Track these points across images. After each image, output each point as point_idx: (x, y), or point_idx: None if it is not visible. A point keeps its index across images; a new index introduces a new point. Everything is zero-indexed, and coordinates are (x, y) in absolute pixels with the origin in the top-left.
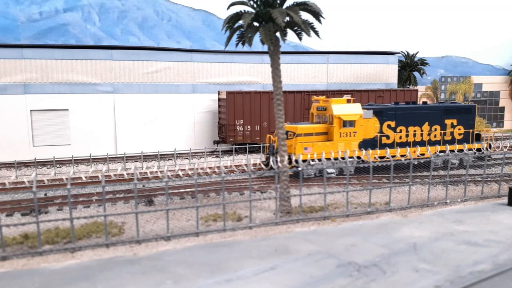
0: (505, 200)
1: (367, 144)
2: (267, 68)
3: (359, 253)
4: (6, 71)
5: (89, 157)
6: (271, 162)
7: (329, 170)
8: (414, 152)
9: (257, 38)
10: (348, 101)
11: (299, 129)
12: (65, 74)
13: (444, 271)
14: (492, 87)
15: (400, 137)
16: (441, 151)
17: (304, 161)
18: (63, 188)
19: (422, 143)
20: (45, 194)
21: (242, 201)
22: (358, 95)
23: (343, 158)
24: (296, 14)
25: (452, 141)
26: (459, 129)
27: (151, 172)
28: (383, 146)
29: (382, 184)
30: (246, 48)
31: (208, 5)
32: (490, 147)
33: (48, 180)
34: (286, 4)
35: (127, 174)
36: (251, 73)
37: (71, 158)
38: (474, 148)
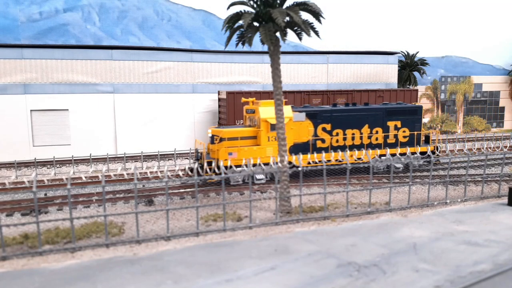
0: (505, 200)
1: (299, 148)
2: (267, 68)
3: (359, 253)
4: (6, 71)
5: (89, 157)
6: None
7: (258, 176)
8: (352, 156)
9: (257, 38)
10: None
11: (223, 133)
12: (65, 74)
13: (444, 271)
14: (492, 87)
15: (337, 141)
16: (382, 155)
17: (231, 167)
18: (63, 188)
19: (362, 147)
20: (45, 194)
21: (242, 201)
22: (358, 95)
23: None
24: (296, 14)
25: (396, 145)
26: (404, 132)
27: (151, 172)
28: (318, 150)
29: (382, 184)
30: (246, 48)
31: (208, 5)
32: (437, 150)
33: (48, 180)
34: (286, 4)
35: (127, 174)
36: (251, 73)
37: (71, 158)
38: (418, 152)
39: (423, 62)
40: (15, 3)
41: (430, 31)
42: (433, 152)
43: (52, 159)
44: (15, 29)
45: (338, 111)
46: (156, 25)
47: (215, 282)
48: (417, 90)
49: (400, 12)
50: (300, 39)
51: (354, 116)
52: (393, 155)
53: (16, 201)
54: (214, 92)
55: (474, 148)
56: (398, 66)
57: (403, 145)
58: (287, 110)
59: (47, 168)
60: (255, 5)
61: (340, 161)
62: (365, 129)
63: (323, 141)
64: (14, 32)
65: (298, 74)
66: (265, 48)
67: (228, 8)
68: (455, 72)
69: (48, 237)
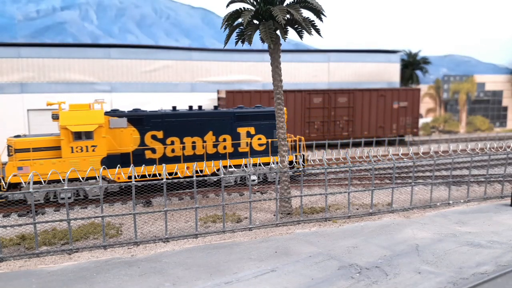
0: (508, 200)
1: (117, 160)
2: (267, 66)
3: (361, 255)
4: (3, 70)
5: None
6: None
7: (63, 195)
8: (188, 168)
9: (257, 36)
10: (98, 106)
11: (17, 143)
12: (62, 73)
13: (446, 273)
14: (495, 86)
15: (173, 151)
16: (233, 166)
17: (29, 183)
18: (61, 188)
19: (209, 157)
20: None
21: (241, 202)
22: (359, 94)
23: (88, 179)
24: (297, 11)
25: (248, 154)
26: (260, 139)
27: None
28: (147, 162)
29: (384, 185)
30: (245, 46)
31: (207, 3)
32: (302, 159)
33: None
34: (286, 2)
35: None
36: (251, 71)
37: None
38: (276, 162)
39: (425, 61)
40: (12, 1)
41: (433, 30)
42: (296, 162)
43: None
44: (12, 27)
45: (171, 115)
46: (154, 23)
47: (214, 284)
48: (419, 89)
49: (403, 11)
50: (301, 37)
51: (194, 122)
52: (235, 166)
53: (12, 202)
54: (213, 91)
55: (477, 148)
56: (401, 65)
57: (258, 154)
58: (98, 115)
59: None
60: (255, 3)
61: (176, 174)
62: (209, 137)
63: (153, 151)
64: (11, 30)
65: (299, 73)
66: (265, 46)
67: (228, 5)
68: (458, 71)
69: (45, 238)
